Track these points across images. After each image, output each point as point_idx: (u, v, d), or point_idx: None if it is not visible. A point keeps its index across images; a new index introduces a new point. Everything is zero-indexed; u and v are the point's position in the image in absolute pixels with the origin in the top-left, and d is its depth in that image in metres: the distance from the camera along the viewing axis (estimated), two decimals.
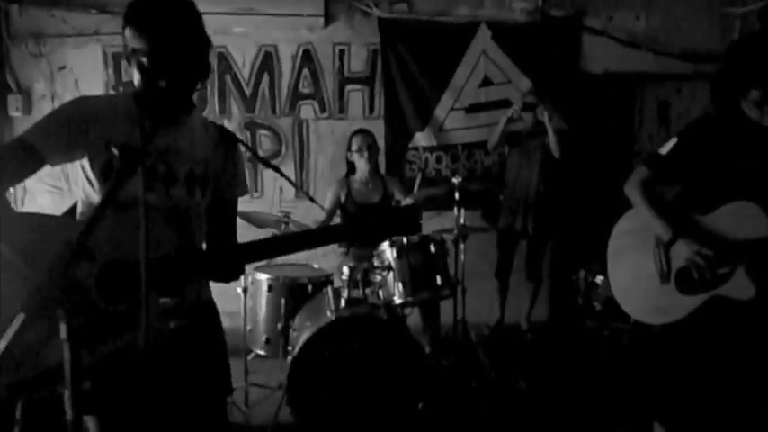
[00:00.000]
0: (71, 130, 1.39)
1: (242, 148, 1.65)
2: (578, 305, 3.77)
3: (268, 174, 4.54)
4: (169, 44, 1.36)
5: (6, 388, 1.31)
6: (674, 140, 2.00)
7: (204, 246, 1.60)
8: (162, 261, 1.33)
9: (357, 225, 1.49)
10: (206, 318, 1.64)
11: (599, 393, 3.24)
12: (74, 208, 1.56)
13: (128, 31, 1.38)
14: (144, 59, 1.35)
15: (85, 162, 1.42)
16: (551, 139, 4.02)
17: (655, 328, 2.07)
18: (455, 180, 3.31)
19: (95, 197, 1.43)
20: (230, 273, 1.55)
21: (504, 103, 4.49)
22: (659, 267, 2.02)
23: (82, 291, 1.28)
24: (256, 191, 4.55)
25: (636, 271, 2.09)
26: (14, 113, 4.40)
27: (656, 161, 2.03)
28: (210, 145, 1.57)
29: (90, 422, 1.52)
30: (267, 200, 4.48)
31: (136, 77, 1.40)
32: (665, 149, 2.02)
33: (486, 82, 4.58)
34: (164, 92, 1.38)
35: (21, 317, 0.86)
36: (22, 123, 4.43)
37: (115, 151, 1.07)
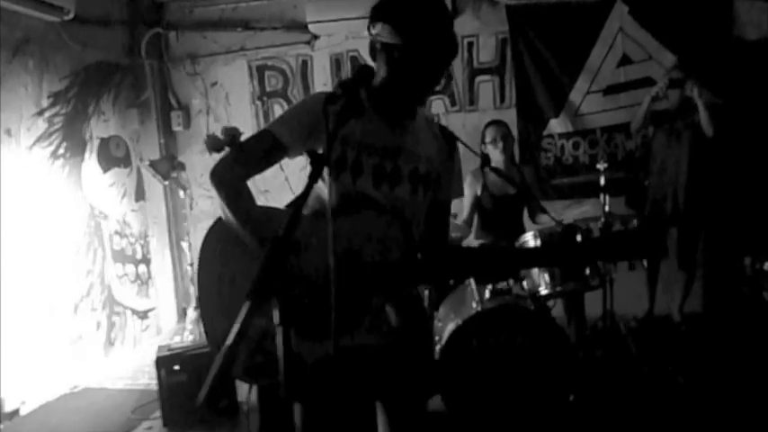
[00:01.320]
0: (311, 124, 1.44)
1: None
2: (744, 295, 3.46)
3: None
4: (426, 42, 1.37)
5: (243, 371, 1.42)
6: None
7: (420, 246, 1.59)
8: (391, 266, 1.36)
9: (596, 247, 1.40)
10: (415, 313, 1.62)
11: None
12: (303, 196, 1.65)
13: (380, 26, 1.40)
14: (397, 54, 1.38)
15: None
16: (703, 115, 3.72)
17: None
18: (600, 166, 3.19)
19: (325, 190, 1.42)
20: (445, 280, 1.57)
21: (646, 82, 4.22)
22: None
23: (295, 280, 1.37)
24: None
25: None
26: (177, 128, 4.93)
27: None
28: (434, 143, 1.56)
29: (296, 410, 1.55)
30: None
31: (382, 72, 1.43)
32: None
33: (625, 61, 4.34)
34: (409, 89, 1.43)
35: (246, 304, 0.98)
36: (183, 137, 4.96)
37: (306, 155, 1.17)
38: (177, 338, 3.79)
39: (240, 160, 1.49)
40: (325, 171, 1.20)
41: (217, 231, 1.52)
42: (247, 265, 1.41)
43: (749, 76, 4.15)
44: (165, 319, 4.94)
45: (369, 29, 1.43)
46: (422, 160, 1.53)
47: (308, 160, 1.16)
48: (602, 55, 4.36)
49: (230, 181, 1.45)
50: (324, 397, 1.08)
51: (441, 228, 1.64)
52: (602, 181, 3.18)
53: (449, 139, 1.59)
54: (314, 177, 1.15)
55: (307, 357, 1.32)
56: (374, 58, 1.46)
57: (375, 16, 1.42)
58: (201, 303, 1.54)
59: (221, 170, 1.46)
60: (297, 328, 1.07)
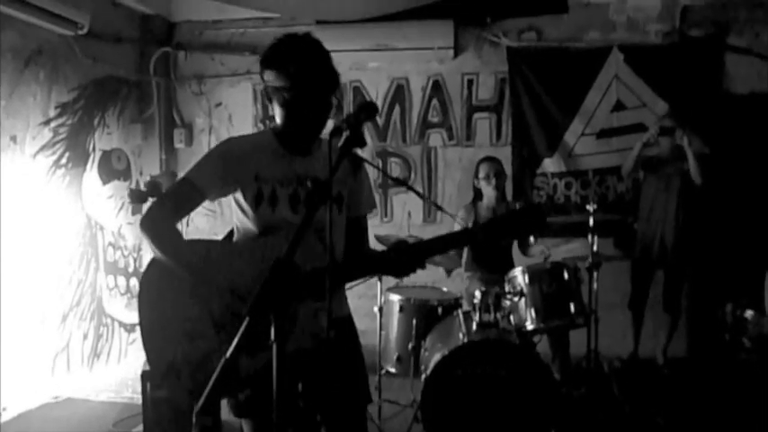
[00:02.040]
0: (224, 168, 1.62)
1: (367, 169, 1.80)
2: (725, 341, 3.52)
3: (397, 199, 4.76)
4: (308, 80, 1.55)
5: (188, 394, 1.55)
6: None
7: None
8: (314, 272, 1.49)
9: (484, 225, 1.56)
10: (347, 330, 1.80)
11: None
12: (230, 234, 1.80)
13: (269, 73, 1.59)
14: (286, 95, 1.55)
15: (238, 194, 1.65)
16: (692, 164, 3.85)
17: None
18: (589, 207, 3.28)
19: (249, 223, 1.65)
20: (399, 269, 1.63)
21: (638, 128, 4.36)
22: None
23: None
24: (386, 215, 4.78)
25: None
26: (179, 145, 5.01)
27: None
28: (341, 167, 1.72)
29: (245, 424, 1.71)
30: (396, 224, 4.69)
31: (278, 113, 1.62)
32: None
33: (619, 106, 4.48)
34: (304, 123, 1.59)
35: (245, 321, 1.04)
36: (184, 154, 5.03)
37: (309, 184, 1.26)
38: None
39: (165, 208, 1.64)
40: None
41: (156, 265, 1.64)
42: (182, 297, 1.57)
43: (737, 129, 4.30)
44: None
45: (261, 77, 1.62)
46: (335, 183, 1.65)
47: (312, 189, 1.25)
48: (597, 99, 4.50)
49: (159, 227, 1.59)
50: (267, 408, 1.14)
51: (358, 241, 1.79)
52: (592, 221, 3.26)
53: (353, 161, 1.74)
54: (314, 206, 1.23)
55: (242, 371, 1.39)
56: (270, 102, 1.64)
57: (263, 64, 1.61)
58: (143, 332, 1.64)
59: (148, 219, 1.61)
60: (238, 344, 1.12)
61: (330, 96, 1.62)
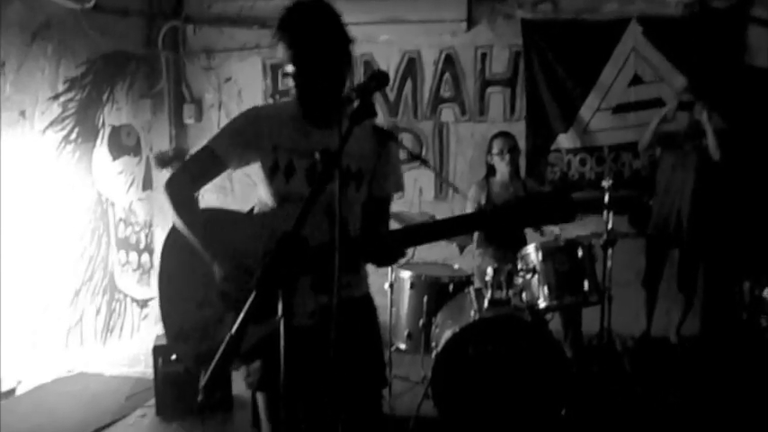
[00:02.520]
0: (244, 137, 1.58)
1: (395, 146, 1.72)
2: (741, 320, 3.47)
3: (409, 175, 4.68)
4: (313, 46, 1.47)
5: (194, 360, 1.54)
6: None
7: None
8: (319, 248, 1.42)
9: (504, 210, 1.44)
10: (365, 311, 1.73)
11: (763, 419, 2.97)
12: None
13: (279, 44, 1.53)
14: (294, 64, 1.49)
15: (258, 164, 1.60)
16: (710, 140, 3.75)
17: None
18: (605, 183, 3.21)
19: (265, 195, 1.61)
20: (384, 256, 1.60)
21: (656, 103, 4.26)
22: None
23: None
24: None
25: None
26: (188, 121, 4.96)
27: None
28: (366, 142, 1.64)
29: (259, 398, 1.69)
30: (407, 201, 4.62)
31: (290, 85, 1.55)
32: None
33: (636, 80, 4.36)
34: (315, 93, 1.52)
35: (252, 295, 1.01)
36: (194, 130, 4.99)
37: (317, 156, 1.21)
38: None
39: (186, 174, 1.62)
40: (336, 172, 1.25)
41: (176, 232, 1.63)
42: (196, 264, 1.55)
43: (758, 103, 4.18)
44: None
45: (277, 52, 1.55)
46: (353, 158, 1.60)
47: (319, 161, 1.21)
48: (614, 73, 4.39)
49: (178, 194, 1.58)
50: (277, 381, 1.12)
51: (376, 221, 1.70)
52: (607, 198, 3.20)
53: (381, 137, 1.67)
54: (324, 178, 1.18)
55: (245, 342, 1.35)
56: (284, 76, 1.59)
57: (274, 36, 1.54)
58: (161, 296, 1.64)
59: (171, 183, 1.60)
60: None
61: (341, 63, 1.54)
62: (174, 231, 1.63)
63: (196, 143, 4.95)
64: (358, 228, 1.67)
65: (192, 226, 1.56)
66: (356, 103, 1.26)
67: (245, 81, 4.90)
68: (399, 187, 1.75)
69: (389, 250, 1.56)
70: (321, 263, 1.38)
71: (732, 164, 3.83)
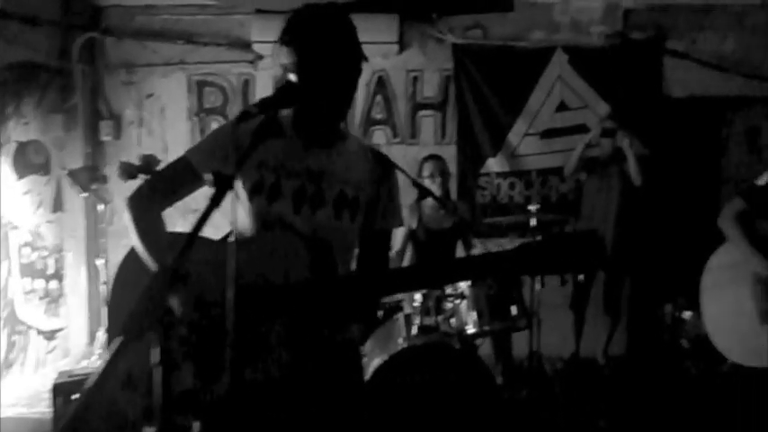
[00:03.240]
0: (226, 152, 1.35)
1: (398, 176, 1.52)
2: (663, 342, 3.55)
3: None
4: (321, 56, 1.29)
5: (142, 412, 1.28)
6: None
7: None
8: (297, 286, 1.25)
9: (527, 255, 1.19)
10: (347, 357, 1.50)
11: None
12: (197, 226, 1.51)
13: (282, 50, 1.34)
14: (295, 74, 1.30)
15: (238, 182, 1.39)
16: (632, 165, 3.88)
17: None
18: (532, 208, 3.22)
19: (245, 216, 1.40)
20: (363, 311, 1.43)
21: (581, 129, 4.37)
22: (760, 306, 1.87)
23: (173, 316, 1.25)
24: None
25: (733, 308, 1.95)
26: (105, 138, 4.68)
27: (753, 193, 1.91)
28: (366, 169, 1.47)
29: None
30: None
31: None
32: (762, 180, 1.89)
33: (563, 107, 4.48)
34: (319, 109, 1.34)
35: (118, 340, 0.86)
36: (112, 147, 4.71)
37: (210, 177, 1.07)
38: (85, 362, 3.52)
39: (157, 189, 1.43)
40: (231, 194, 1.11)
41: (134, 258, 1.41)
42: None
43: (676, 131, 4.37)
44: (75, 340, 4.59)
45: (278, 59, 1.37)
46: (349, 184, 1.44)
47: (213, 182, 1.06)
48: (542, 99, 4.49)
49: (143, 212, 1.38)
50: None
51: (376, 258, 1.52)
52: (533, 222, 3.21)
53: (384, 166, 1.50)
54: (216, 201, 1.05)
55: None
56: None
57: (279, 41, 1.35)
58: (110, 335, 1.45)
59: (135, 199, 1.40)
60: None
61: (352, 81, 1.36)
62: (130, 257, 1.40)
63: (114, 161, 4.66)
64: (348, 260, 1.49)
65: (155, 251, 1.33)
66: (258, 119, 1.14)
67: (168, 98, 4.68)
68: (402, 222, 1.57)
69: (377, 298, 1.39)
70: (298, 304, 1.21)
71: (652, 189, 3.97)
